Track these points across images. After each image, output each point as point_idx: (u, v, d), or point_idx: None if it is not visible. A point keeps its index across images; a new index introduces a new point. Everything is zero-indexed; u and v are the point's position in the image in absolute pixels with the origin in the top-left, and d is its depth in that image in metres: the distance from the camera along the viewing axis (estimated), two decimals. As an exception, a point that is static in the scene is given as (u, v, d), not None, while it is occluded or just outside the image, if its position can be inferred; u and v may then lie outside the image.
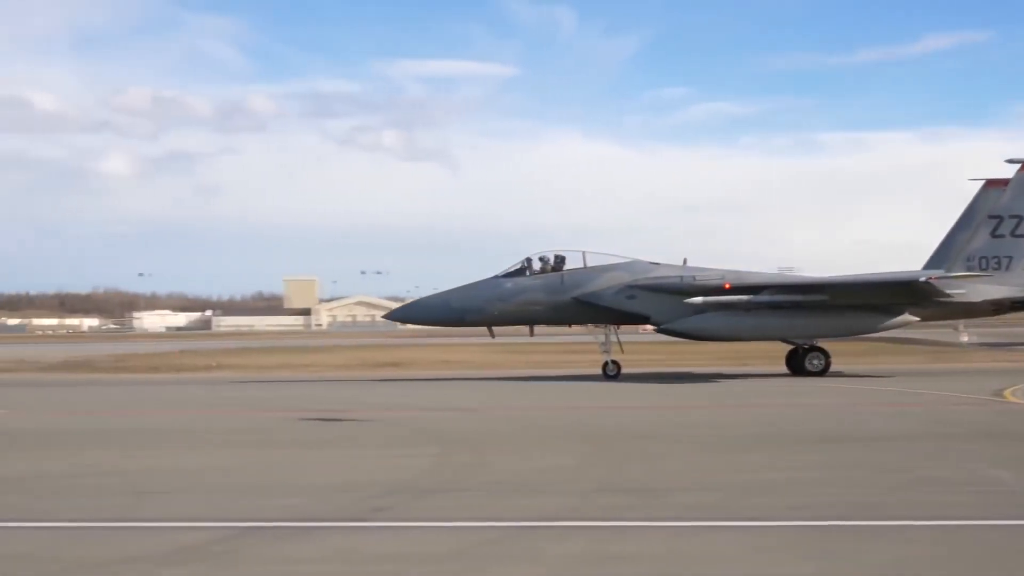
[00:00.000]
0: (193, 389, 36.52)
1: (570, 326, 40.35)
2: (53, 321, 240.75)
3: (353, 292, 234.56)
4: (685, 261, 39.20)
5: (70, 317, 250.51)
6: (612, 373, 37.94)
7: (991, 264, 38.98)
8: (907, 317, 38.16)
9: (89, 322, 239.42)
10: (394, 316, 44.35)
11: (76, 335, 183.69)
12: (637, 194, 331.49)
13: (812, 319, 37.42)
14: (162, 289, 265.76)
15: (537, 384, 36.39)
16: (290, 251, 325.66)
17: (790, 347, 38.76)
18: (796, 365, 38.39)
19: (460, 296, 38.52)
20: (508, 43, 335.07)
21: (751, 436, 19.95)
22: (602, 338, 38.87)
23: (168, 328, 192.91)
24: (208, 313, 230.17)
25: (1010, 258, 38.99)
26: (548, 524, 11.61)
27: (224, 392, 34.97)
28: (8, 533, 11.61)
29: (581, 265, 38.31)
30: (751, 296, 36.94)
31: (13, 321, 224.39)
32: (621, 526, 11.49)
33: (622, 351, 38.77)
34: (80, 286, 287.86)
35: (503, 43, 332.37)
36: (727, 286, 37.17)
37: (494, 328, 39.64)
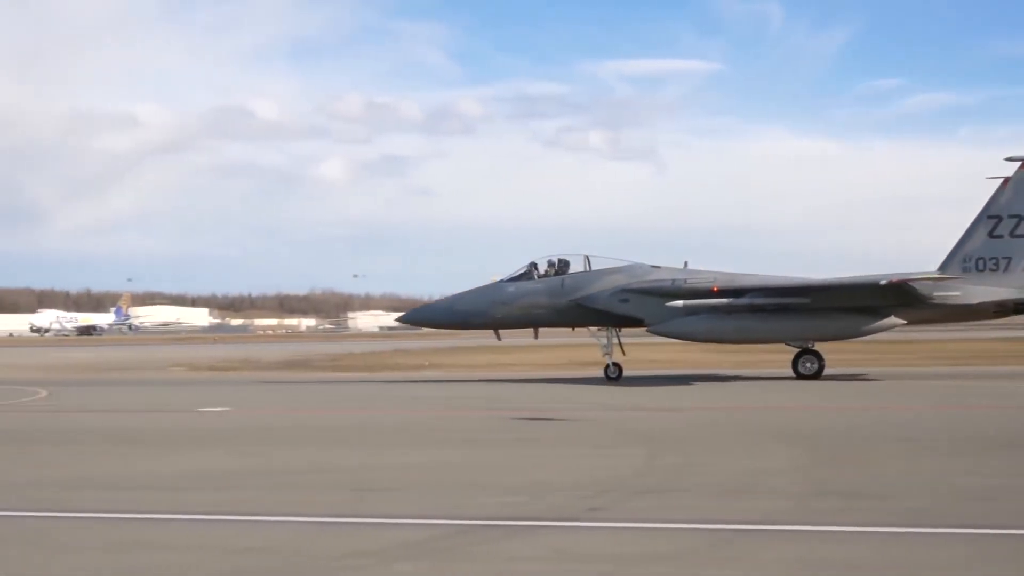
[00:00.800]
0: (407, 388, 37.47)
1: (573, 328, 40.77)
2: (273, 321, 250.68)
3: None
4: (686, 264, 39.65)
5: (289, 317, 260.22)
6: (613, 375, 38.42)
7: (988, 265, 37.83)
8: (893, 320, 37.53)
9: (307, 322, 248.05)
10: (405, 319, 45.17)
11: (294, 335, 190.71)
12: (847, 189, 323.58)
13: (795, 322, 37.16)
14: (376, 290, 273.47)
15: (738, 384, 36.01)
16: (498, 251, 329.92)
17: (794, 349, 38.08)
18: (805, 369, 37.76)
19: (465, 300, 39.69)
20: (714, 40, 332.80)
21: (963, 439, 19.37)
22: (603, 340, 39.31)
23: (381, 328, 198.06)
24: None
25: (1009, 259, 37.71)
26: (762, 527, 11.57)
27: (436, 391, 35.79)
28: (250, 526, 12.24)
29: (585, 269, 38.97)
30: (731, 299, 36.92)
31: (237, 321, 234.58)
32: (836, 531, 11.35)
33: (624, 353, 39.19)
34: (298, 287, 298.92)
35: (709, 40, 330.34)
36: (715, 289, 37.20)
37: (499, 330, 40.40)
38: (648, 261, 39.47)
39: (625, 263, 39.33)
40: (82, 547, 11.20)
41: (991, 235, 37.86)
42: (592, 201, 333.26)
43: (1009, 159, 38.04)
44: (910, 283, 35.97)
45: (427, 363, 54.62)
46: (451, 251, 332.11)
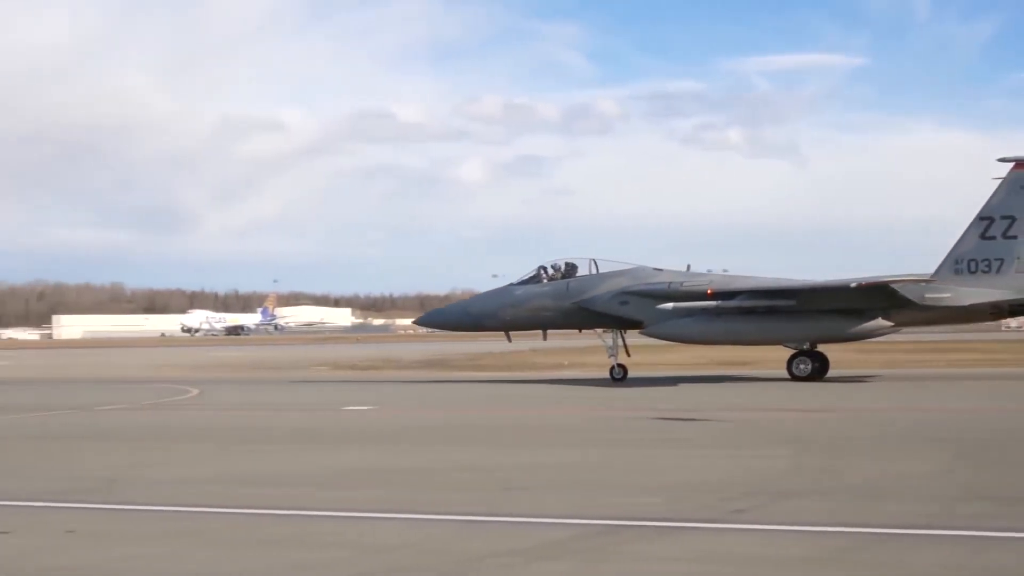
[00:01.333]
0: (546, 388, 37.59)
1: (580, 331, 41.52)
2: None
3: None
4: (688, 267, 40.30)
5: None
6: (619, 376, 38.82)
7: (981, 267, 37.26)
8: (880, 322, 37.38)
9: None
10: (421, 322, 46.48)
11: (434, 334, 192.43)
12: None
13: (782, 323, 37.47)
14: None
15: (898, 384, 35.28)
16: (637, 250, 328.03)
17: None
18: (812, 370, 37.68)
19: (477, 303, 41.64)
20: (857, 33, 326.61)
21: None
22: (608, 342, 40.01)
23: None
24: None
25: (1001, 260, 37.03)
26: (909, 532, 11.33)
27: (577, 392, 35.83)
28: (397, 524, 12.44)
29: (592, 272, 39.76)
30: (720, 302, 37.23)
31: (379, 321, 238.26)
32: (985, 536, 11.06)
33: (628, 355, 39.92)
34: (438, 288, 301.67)
35: (852, 33, 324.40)
36: (709, 292, 37.43)
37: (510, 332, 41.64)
38: (758, 262, 40.14)
39: (629, 266, 40.01)
40: (234, 543, 11.54)
41: (983, 237, 37.26)
42: (730, 199, 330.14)
43: (1002, 160, 37.32)
44: (892, 285, 36.18)
45: (567, 363, 54.68)
46: (589, 250, 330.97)
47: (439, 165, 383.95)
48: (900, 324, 38.54)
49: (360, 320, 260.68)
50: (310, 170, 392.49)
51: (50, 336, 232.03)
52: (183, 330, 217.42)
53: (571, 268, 40.04)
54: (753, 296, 37.65)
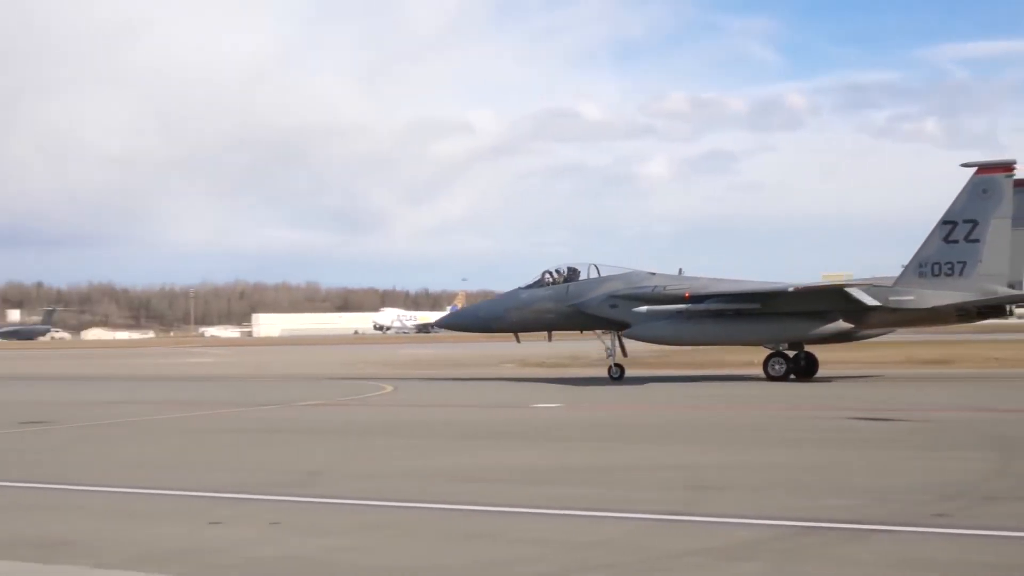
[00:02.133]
0: (734, 387, 37.16)
1: (582, 332, 43.56)
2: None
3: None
4: (680, 271, 42.15)
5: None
6: (616, 375, 40.89)
7: (944, 270, 38.10)
8: (841, 324, 38.53)
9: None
10: (440, 324, 48.23)
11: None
12: None
13: (748, 326, 39.12)
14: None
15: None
16: (828, 246, 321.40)
17: (793, 352, 39.82)
18: (797, 368, 39.81)
19: (489, 306, 44.60)
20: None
21: None
22: (607, 343, 42.05)
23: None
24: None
25: (964, 263, 37.80)
26: None
27: (766, 390, 35.31)
28: (590, 521, 12.49)
29: (592, 276, 41.92)
30: (690, 305, 39.04)
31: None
32: None
33: (625, 355, 42.03)
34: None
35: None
36: (686, 295, 39.24)
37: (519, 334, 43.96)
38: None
39: (625, 271, 42.15)
40: (430, 538, 11.79)
41: (946, 240, 38.06)
42: (927, 193, 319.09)
43: (965, 165, 38.25)
44: (846, 289, 37.71)
45: (757, 361, 53.83)
46: (779, 246, 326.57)
47: (624, 162, 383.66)
48: (867, 326, 39.75)
49: None
50: (497, 170, 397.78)
51: (250, 334, 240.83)
52: (375, 328, 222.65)
53: (572, 272, 42.27)
54: (722, 300, 39.26)
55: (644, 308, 39.34)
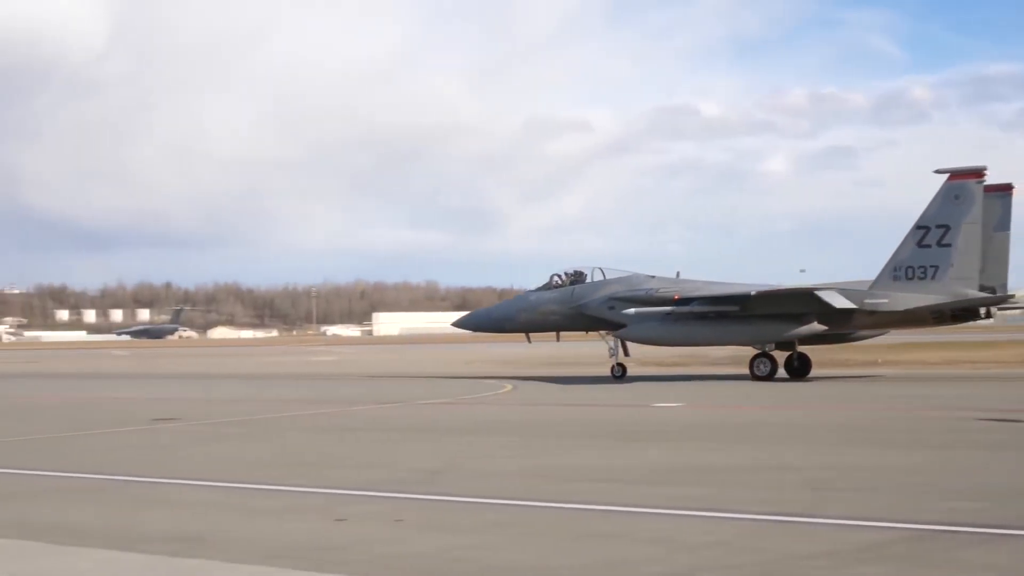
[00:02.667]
0: (858, 387, 36.59)
1: (587, 332, 45.13)
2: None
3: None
4: (678, 274, 43.83)
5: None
6: (618, 375, 42.31)
7: (917, 273, 39.02)
8: (815, 327, 39.70)
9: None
10: (457, 324, 49.51)
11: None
12: None
13: (728, 327, 40.63)
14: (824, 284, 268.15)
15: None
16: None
17: (787, 353, 41.69)
18: (791, 368, 41.74)
19: (501, 308, 46.79)
20: None
21: None
22: (610, 343, 43.15)
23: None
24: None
25: (936, 267, 38.70)
26: None
27: (891, 389, 34.71)
28: (708, 522, 12.48)
29: (596, 279, 43.61)
30: (675, 307, 40.70)
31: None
32: None
33: (627, 355, 43.35)
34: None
35: None
36: (676, 297, 40.95)
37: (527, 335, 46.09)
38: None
39: (626, 274, 43.90)
40: (550, 536, 11.89)
41: (920, 245, 39.01)
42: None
43: (938, 171, 39.17)
44: (816, 292, 39.02)
45: (880, 360, 52.93)
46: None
47: (743, 159, 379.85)
48: (845, 328, 40.99)
49: None
50: (614, 168, 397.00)
51: (370, 333, 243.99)
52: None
53: (578, 275, 44.12)
54: (703, 302, 40.76)
55: (633, 310, 41.28)
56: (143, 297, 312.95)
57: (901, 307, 39.11)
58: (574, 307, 43.38)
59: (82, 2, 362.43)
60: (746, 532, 11.84)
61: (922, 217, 39.19)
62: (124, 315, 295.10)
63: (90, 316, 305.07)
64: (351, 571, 10.30)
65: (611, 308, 42.41)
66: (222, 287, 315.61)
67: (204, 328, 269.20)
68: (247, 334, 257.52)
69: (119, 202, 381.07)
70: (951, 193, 38.74)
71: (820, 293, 38.96)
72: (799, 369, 41.89)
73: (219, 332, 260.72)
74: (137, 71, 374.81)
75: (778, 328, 40.06)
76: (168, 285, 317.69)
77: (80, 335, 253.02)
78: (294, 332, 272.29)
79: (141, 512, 13.87)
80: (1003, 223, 40.49)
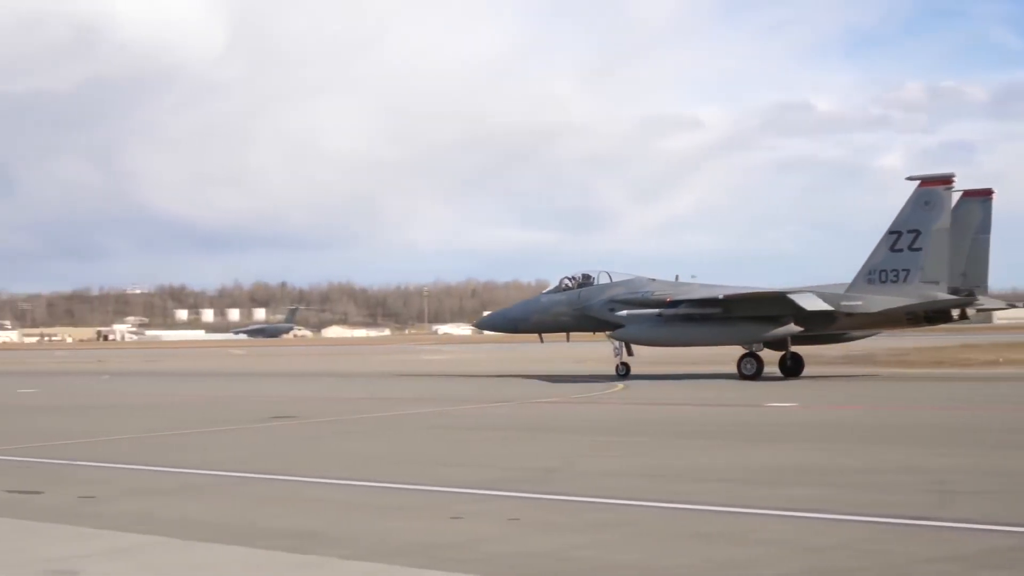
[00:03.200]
0: (980, 387, 35.76)
1: (594, 333, 47.12)
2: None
3: None
4: (677, 277, 45.93)
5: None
6: (622, 373, 44.23)
7: (890, 277, 40.29)
8: (791, 328, 41.26)
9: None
10: (478, 325, 53.91)
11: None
12: None
13: (711, 328, 42.35)
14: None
15: None
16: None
17: (780, 352, 43.49)
18: (784, 368, 43.41)
19: (516, 309, 49.15)
20: None
21: None
22: (615, 343, 44.68)
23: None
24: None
25: (907, 271, 39.97)
26: None
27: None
28: (827, 524, 12.27)
29: (603, 283, 45.50)
30: (661, 309, 42.69)
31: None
32: None
33: (631, 354, 44.59)
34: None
35: None
36: (668, 300, 42.77)
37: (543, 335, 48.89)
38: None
39: (629, 277, 45.85)
40: (666, 537, 11.81)
41: (892, 249, 40.34)
42: None
43: (909, 178, 40.70)
44: (789, 295, 40.44)
45: (1001, 359, 51.64)
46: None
47: (859, 155, 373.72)
48: (823, 329, 42.46)
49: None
50: (727, 165, 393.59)
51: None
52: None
53: (586, 278, 46.05)
54: (689, 305, 42.41)
55: (626, 312, 43.44)
56: (259, 296, 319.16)
57: (875, 309, 40.57)
58: (580, 309, 45.53)
59: (201, 9, 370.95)
60: (868, 535, 11.59)
61: (894, 222, 40.49)
62: (241, 314, 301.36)
63: (208, 315, 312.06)
64: (466, 569, 10.34)
65: (611, 310, 44.23)
66: (336, 287, 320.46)
67: (318, 327, 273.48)
68: (360, 333, 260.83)
69: (237, 203, 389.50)
70: (921, 199, 40.06)
71: (793, 296, 40.55)
72: (792, 368, 43.41)
73: (333, 331, 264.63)
74: (254, 75, 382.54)
75: (757, 329, 41.58)
76: (283, 285, 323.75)
77: (198, 334, 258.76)
78: (406, 331, 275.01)
79: (260, 508, 14.12)
80: (984, 226, 42.31)
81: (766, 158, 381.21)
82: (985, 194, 42.82)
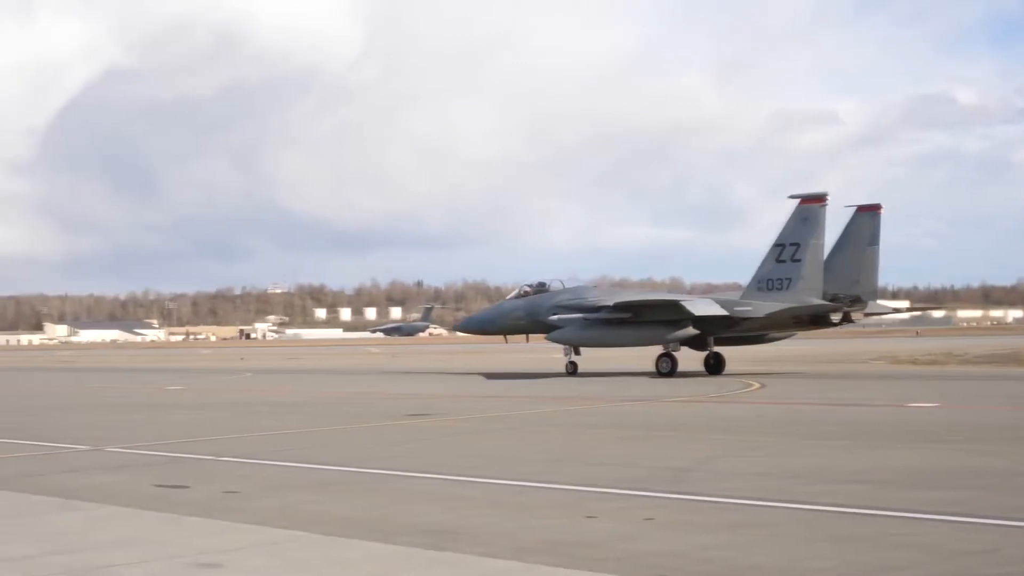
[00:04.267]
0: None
1: (546, 335, 51.20)
2: (977, 313, 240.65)
3: None
4: (620, 281, 51.14)
5: (994, 309, 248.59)
6: (571, 371, 49.38)
7: (775, 285, 45.34)
8: (689, 330, 46.75)
9: (1014, 313, 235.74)
10: (456, 328, 58.78)
11: (1000, 327, 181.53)
12: None
13: (624, 331, 47.78)
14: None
15: None
16: None
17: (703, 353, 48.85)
18: (708, 366, 48.75)
19: (485, 314, 55.09)
20: None
21: None
22: (564, 346, 50.15)
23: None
24: None
25: (789, 279, 44.97)
26: None
27: None
28: (981, 528, 11.96)
29: (555, 290, 50.39)
30: (584, 314, 48.30)
31: (938, 313, 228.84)
32: None
33: (578, 354, 50.12)
34: (1005, 278, 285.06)
35: None
36: (597, 306, 48.14)
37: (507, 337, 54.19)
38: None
39: (576, 284, 51.22)
40: (803, 539, 11.66)
41: (777, 260, 45.47)
42: None
43: (791, 196, 45.60)
44: (680, 302, 46.41)
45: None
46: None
47: (1004, 148, 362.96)
48: (720, 332, 47.54)
49: (917, 312, 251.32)
50: (864, 160, 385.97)
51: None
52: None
53: (541, 286, 51.03)
54: (607, 310, 47.66)
55: (555, 317, 48.73)
56: (396, 295, 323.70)
57: (762, 313, 45.46)
58: (532, 314, 50.30)
59: (338, 13, 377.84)
60: (1019, 540, 11.28)
61: (779, 236, 45.55)
62: (377, 313, 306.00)
63: (346, 314, 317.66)
64: (602, 568, 10.36)
65: (554, 315, 49.11)
66: (470, 285, 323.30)
67: (453, 326, 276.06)
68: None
69: (374, 204, 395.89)
70: (800, 215, 44.96)
71: (684, 303, 46.49)
72: (715, 367, 48.38)
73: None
74: (389, 77, 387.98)
75: (659, 332, 46.99)
76: (419, 284, 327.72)
77: (336, 332, 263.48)
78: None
79: (398, 505, 14.34)
80: (873, 239, 47.09)
81: (905, 152, 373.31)
82: (874, 208, 47.67)
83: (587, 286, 51.54)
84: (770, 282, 45.57)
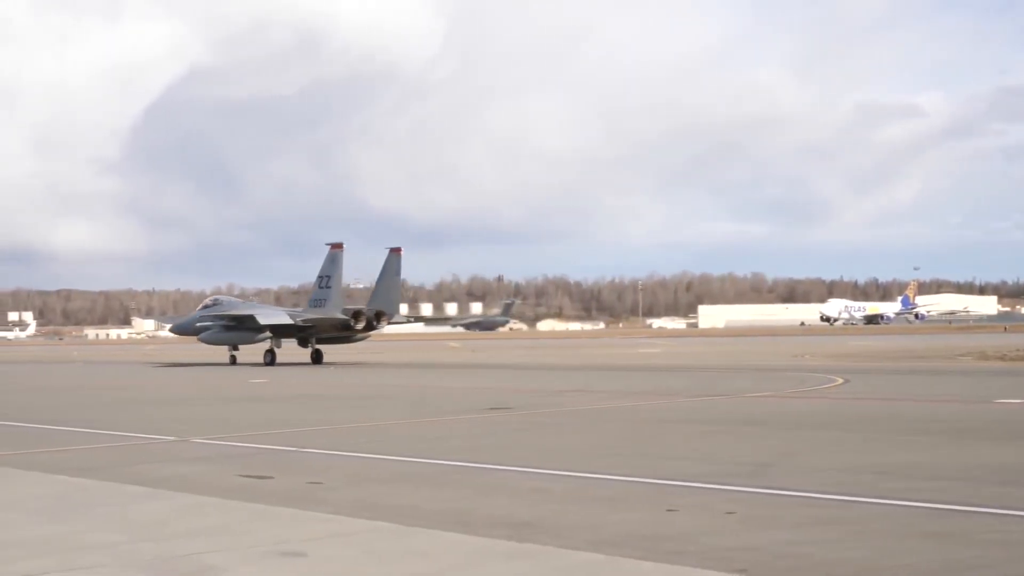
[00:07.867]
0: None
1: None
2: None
3: None
4: (253, 298, 71.22)
5: None
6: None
7: (319, 304, 67.95)
8: (267, 334, 67.01)
9: None
10: (171, 329, 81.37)
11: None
12: None
13: (228, 334, 68.25)
14: None
15: None
16: None
17: (308, 349, 68.78)
18: (313, 358, 67.77)
19: (188, 318, 74.42)
20: None
21: None
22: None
23: None
24: None
25: (326, 300, 67.53)
26: None
27: None
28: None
29: (216, 303, 71.74)
30: (211, 322, 68.91)
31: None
32: None
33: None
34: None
35: None
36: (224, 315, 69.08)
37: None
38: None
39: (227, 301, 73.30)
40: (889, 535, 11.48)
41: (320, 287, 68.19)
42: None
43: (326, 244, 69.35)
44: (252, 315, 67.63)
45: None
46: None
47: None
48: (291, 336, 68.35)
49: (1007, 308, 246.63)
50: (949, 153, 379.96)
51: (695, 325, 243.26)
52: (822, 319, 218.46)
53: (216, 302, 71.90)
54: (221, 319, 68.36)
55: (198, 324, 69.60)
56: (476, 290, 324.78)
57: (312, 322, 66.54)
58: (199, 320, 69.85)
59: (417, 11, 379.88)
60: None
61: (320, 271, 68.21)
62: (458, 308, 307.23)
63: (427, 309, 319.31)
64: (683, 561, 10.30)
65: (203, 323, 69.33)
66: (551, 280, 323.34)
67: (533, 320, 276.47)
68: (574, 326, 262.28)
69: (453, 200, 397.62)
70: (331, 259, 68.01)
71: (255, 313, 67.63)
72: (316, 359, 67.21)
73: (547, 324, 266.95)
74: (467, 73, 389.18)
75: (247, 335, 67.46)
76: (499, 279, 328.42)
77: (418, 327, 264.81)
78: (620, 325, 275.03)
79: (478, 497, 14.38)
80: (398, 271, 68.69)
81: (990, 145, 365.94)
82: (396, 252, 68.42)
83: (234, 302, 73.88)
84: (317, 301, 67.87)
